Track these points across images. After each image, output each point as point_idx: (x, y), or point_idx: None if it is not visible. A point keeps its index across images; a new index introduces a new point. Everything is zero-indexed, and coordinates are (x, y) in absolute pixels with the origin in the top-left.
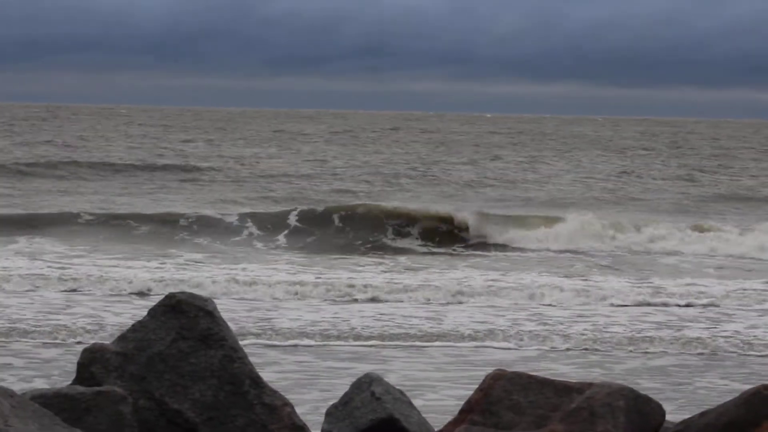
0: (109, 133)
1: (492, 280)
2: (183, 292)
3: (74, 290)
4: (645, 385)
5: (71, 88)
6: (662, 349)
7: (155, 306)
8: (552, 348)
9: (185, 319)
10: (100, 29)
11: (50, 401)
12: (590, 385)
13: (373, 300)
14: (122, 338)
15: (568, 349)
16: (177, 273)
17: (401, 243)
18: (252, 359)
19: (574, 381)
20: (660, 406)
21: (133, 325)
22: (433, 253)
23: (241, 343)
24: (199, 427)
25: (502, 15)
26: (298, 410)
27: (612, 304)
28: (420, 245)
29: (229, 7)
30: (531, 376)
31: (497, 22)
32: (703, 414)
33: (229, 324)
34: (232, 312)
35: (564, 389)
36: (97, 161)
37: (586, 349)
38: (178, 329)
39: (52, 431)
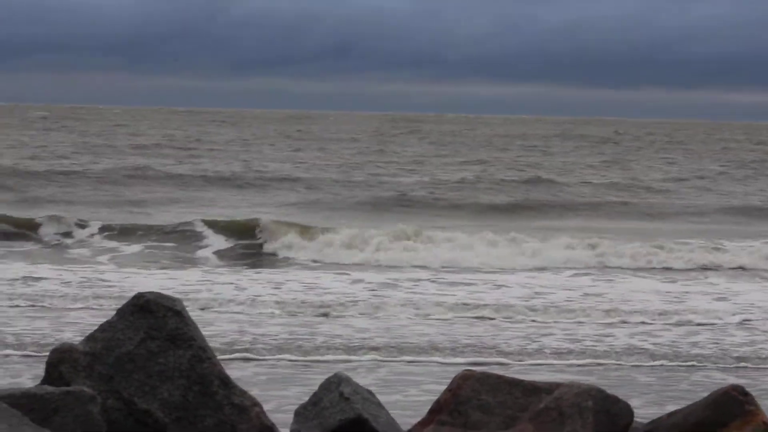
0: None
1: None
2: (151, 292)
3: None
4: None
5: (37, 89)
6: None
7: (123, 306)
8: None
9: (153, 319)
10: (66, 30)
11: (18, 401)
12: (558, 385)
13: None
14: (91, 338)
15: None
16: None
17: None
18: None
19: (542, 381)
20: (628, 406)
21: (101, 325)
22: None
23: None
24: (167, 427)
25: (470, 17)
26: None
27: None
28: None
29: (198, 8)
30: (500, 377)
31: (465, 24)
32: (671, 414)
33: None
34: None
35: (532, 389)
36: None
37: None
38: (146, 329)
39: (20, 431)
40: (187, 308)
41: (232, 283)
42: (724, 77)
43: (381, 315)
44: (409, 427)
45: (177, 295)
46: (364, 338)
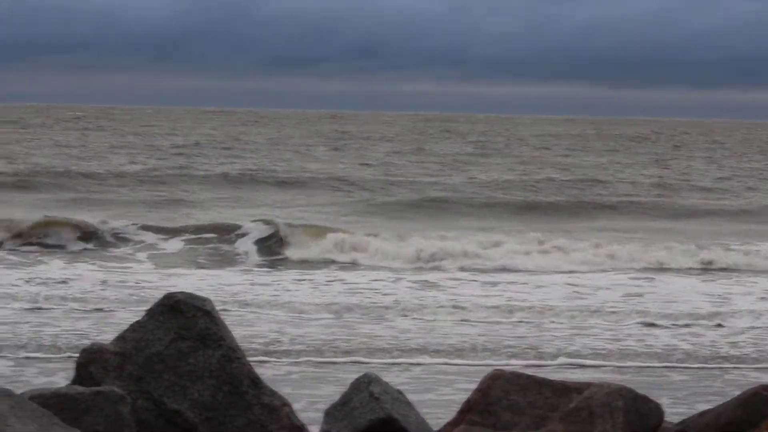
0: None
1: None
2: (181, 292)
3: None
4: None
5: (65, 89)
6: None
7: (153, 306)
8: None
9: (183, 319)
10: (92, 29)
11: (49, 401)
12: (589, 385)
13: None
14: (121, 338)
15: None
16: None
17: None
18: None
19: (573, 381)
20: (658, 406)
21: (131, 325)
22: None
23: None
24: (197, 427)
25: (495, 16)
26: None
27: None
28: None
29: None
30: (529, 377)
31: (490, 24)
32: (702, 414)
33: None
34: None
35: (563, 389)
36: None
37: None
38: (176, 329)
39: (50, 431)
40: (230, 308)
41: (273, 283)
42: (754, 76)
43: (421, 315)
44: (439, 426)
45: (221, 296)
46: (407, 339)
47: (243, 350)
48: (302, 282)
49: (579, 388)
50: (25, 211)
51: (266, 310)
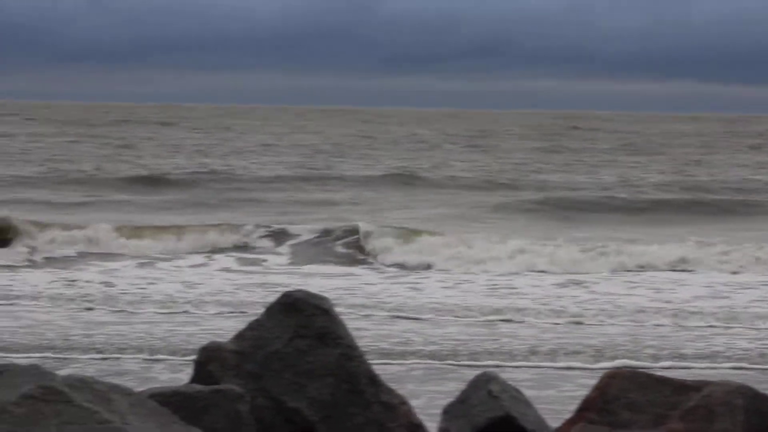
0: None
1: None
2: (300, 291)
3: None
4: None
5: (183, 88)
6: None
7: (272, 304)
8: None
9: (302, 318)
10: (217, 29)
11: (168, 399)
12: (708, 383)
13: None
14: (239, 337)
15: None
16: None
17: None
18: None
19: (692, 379)
20: None
21: (250, 324)
22: None
23: None
24: (316, 426)
25: (618, 12)
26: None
27: None
28: None
29: (346, 7)
30: (649, 375)
31: (610, 20)
32: None
33: None
34: None
35: (682, 387)
36: None
37: None
38: (295, 327)
39: (169, 429)
40: (371, 312)
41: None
42: None
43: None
44: (558, 425)
45: (360, 298)
46: (543, 340)
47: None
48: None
49: (698, 386)
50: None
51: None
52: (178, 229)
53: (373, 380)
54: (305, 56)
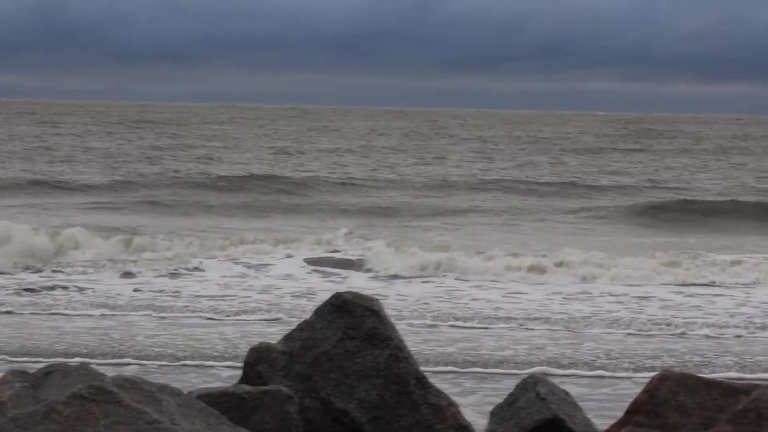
0: None
1: None
2: (349, 292)
3: None
4: None
5: (248, 88)
6: None
7: (321, 305)
8: None
9: (351, 319)
10: (276, 28)
11: (217, 400)
12: (757, 386)
13: None
14: (289, 337)
15: None
16: None
17: None
18: None
19: (741, 383)
20: None
21: (299, 325)
22: None
23: None
24: (364, 427)
25: (682, 14)
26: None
27: None
28: None
29: (407, 8)
30: (698, 378)
31: (678, 22)
32: None
33: None
34: None
35: (731, 390)
36: None
37: None
38: (344, 329)
39: (218, 430)
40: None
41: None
42: None
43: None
44: (606, 427)
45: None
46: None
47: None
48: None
49: (747, 389)
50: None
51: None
52: None
53: (421, 382)
54: (365, 57)
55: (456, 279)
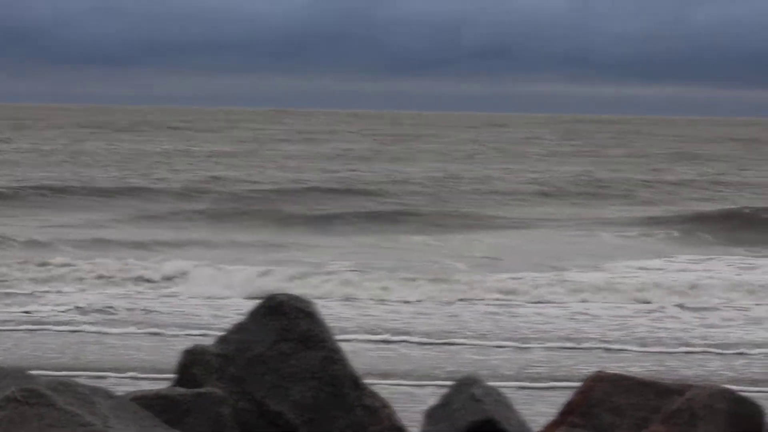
0: None
1: None
2: (284, 294)
3: None
4: None
5: (185, 91)
6: None
7: (256, 307)
8: None
9: (286, 321)
10: (219, 32)
11: (151, 402)
12: (690, 386)
13: None
14: (223, 340)
15: None
16: None
17: None
18: None
19: (671, 382)
20: (760, 408)
21: (233, 327)
22: None
23: None
24: (299, 429)
25: (619, 16)
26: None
27: None
28: None
29: (348, 10)
30: (632, 378)
31: (615, 23)
32: None
33: None
34: None
35: (665, 391)
36: None
37: None
38: (279, 331)
39: None
40: None
41: None
42: None
43: None
44: (539, 428)
45: None
46: None
47: None
48: None
49: (681, 389)
50: None
51: None
52: None
53: (356, 384)
54: (308, 59)
55: None
